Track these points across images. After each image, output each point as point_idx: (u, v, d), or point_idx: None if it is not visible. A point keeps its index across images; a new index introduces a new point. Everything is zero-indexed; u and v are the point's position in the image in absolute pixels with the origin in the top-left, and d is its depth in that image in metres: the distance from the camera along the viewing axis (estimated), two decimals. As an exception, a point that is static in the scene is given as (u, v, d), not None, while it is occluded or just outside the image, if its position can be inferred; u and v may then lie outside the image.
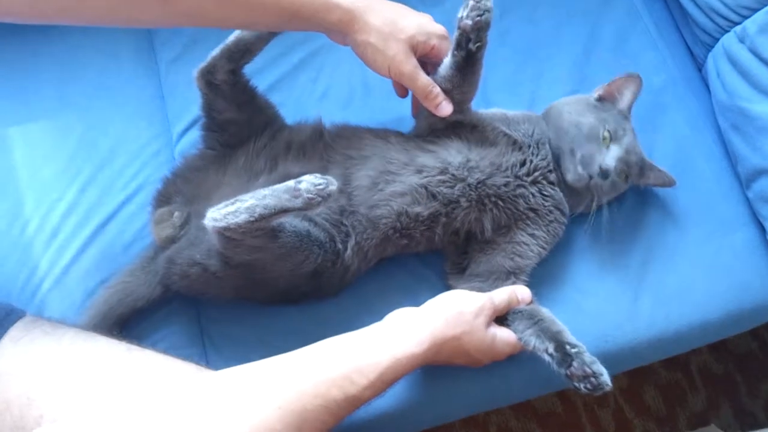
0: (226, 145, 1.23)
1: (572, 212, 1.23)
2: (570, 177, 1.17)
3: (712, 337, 1.29)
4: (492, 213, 1.16)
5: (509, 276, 1.17)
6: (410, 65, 1.11)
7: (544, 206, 1.18)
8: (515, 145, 1.18)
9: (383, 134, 1.21)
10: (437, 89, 1.13)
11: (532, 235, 1.18)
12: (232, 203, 1.02)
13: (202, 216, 1.08)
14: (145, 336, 1.21)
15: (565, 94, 1.35)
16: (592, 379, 1.01)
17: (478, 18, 1.06)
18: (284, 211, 1.01)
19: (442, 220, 1.15)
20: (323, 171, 1.16)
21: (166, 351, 1.16)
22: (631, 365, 1.28)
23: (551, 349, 1.06)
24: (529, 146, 1.19)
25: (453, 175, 1.14)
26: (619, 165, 1.16)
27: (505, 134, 1.19)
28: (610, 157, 1.15)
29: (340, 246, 1.15)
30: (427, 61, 1.16)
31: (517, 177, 1.16)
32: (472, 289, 1.15)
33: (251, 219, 1.01)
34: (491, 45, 1.37)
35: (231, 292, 1.17)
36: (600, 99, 1.22)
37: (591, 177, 1.14)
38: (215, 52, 1.18)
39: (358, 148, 1.19)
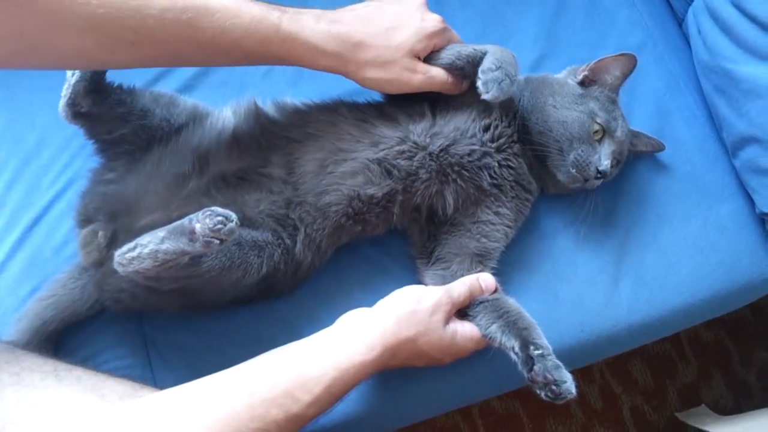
0: (133, 152, 1.12)
1: (544, 191, 1.16)
2: (562, 177, 1.10)
3: (698, 320, 1.22)
4: (455, 185, 1.08)
5: (476, 260, 1.10)
6: (418, 76, 1.05)
7: (508, 180, 1.10)
8: (487, 110, 1.09)
9: (333, 107, 1.12)
10: (453, 78, 1.08)
11: (496, 213, 1.10)
12: (134, 248, 0.95)
13: (131, 231, 1.03)
14: (84, 345, 1.13)
15: (534, 59, 1.28)
16: (554, 387, 0.95)
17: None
18: (186, 254, 0.94)
19: (399, 199, 1.08)
20: (263, 162, 1.08)
21: (106, 362, 1.11)
22: (609, 354, 1.22)
23: (517, 348, 1.00)
24: (502, 113, 1.10)
25: (414, 143, 1.06)
26: (614, 160, 1.10)
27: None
28: (606, 155, 1.08)
29: (288, 242, 1.06)
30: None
31: (482, 144, 1.08)
32: (437, 274, 1.10)
33: (156, 264, 0.94)
34: (451, 6, 1.31)
35: (173, 309, 1.10)
36: (584, 82, 1.13)
37: (587, 179, 1.08)
38: (66, 83, 1.07)
39: (302, 127, 1.10)
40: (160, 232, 0.94)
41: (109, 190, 1.10)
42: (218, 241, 0.91)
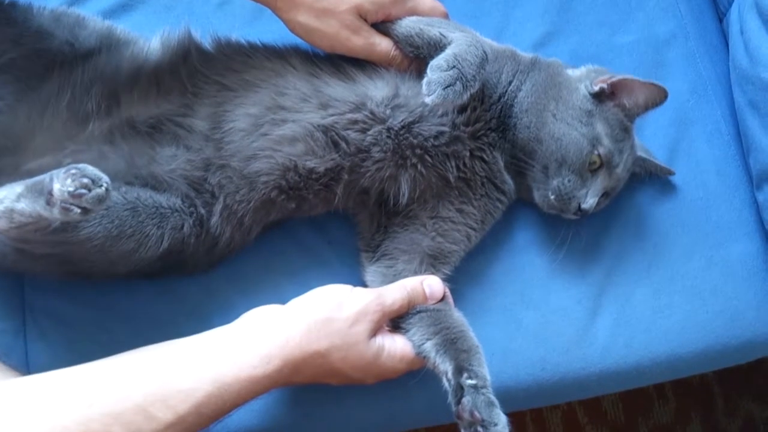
0: (27, 79, 0.97)
1: (520, 197, 1.04)
2: (537, 198, 1.00)
3: (683, 374, 1.09)
4: (414, 171, 0.96)
5: (427, 261, 0.98)
6: (360, 39, 0.96)
7: (478, 175, 0.99)
8: None
9: (283, 54, 1.00)
10: (399, 53, 0.98)
11: (459, 211, 0.99)
12: None
13: (15, 173, 0.91)
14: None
15: (539, 36, 1.14)
16: (480, 429, 0.82)
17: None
18: (44, 219, 0.80)
19: (344, 178, 0.96)
20: (185, 110, 0.96)
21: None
22: (571, 398, 1.12)
23: (450, 373, 0.87)
24: (484, 92, 0.98)
25: (371, 113, 0.94)
26: (604, 195, 1.00)
27: None
28: (594, 192, 0.97)
29: (202, 211, 0.94)
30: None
31: (454, 126, 0.96)
32: (378, 271, 0.99)
33: (13, 225, 0.82)
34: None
35: (52, 276, 0.97)
36: (600, 95, 0.98)
37: (563, 211, 0.98)
38: None
39: (240, 72, 0.97)
40: (18, 187, 0.81)
41: None
42: (79, 210, 0.76)
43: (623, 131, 0.98)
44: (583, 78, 1.00)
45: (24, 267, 0.94)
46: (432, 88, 0.86)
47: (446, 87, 0.86)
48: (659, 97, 0.98)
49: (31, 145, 0.94)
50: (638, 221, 1.07)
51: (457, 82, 0.87)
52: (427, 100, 0.86)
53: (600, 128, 0.96)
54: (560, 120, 0.96)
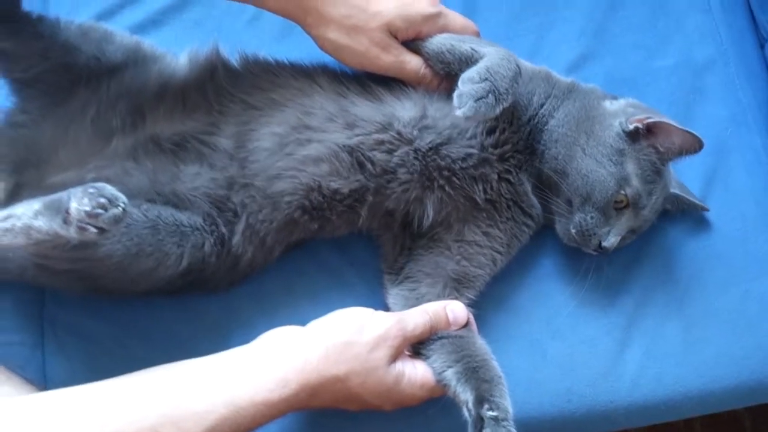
0: (53, 94, 0.98)
1: (546, 223, 1.01)
2: (558, 229, 0.98)
3: (714, 409, 1.05)
4: (441, 193, 0.95)
5: (451, 285, 0.96)
6: (390, 57, 0.95)
7: (504, 197, 0.97)
8: None
9: (310, 73, 0.99)
10: (429, 71, 0.96)
11: (486, 234, 0.97)
12: (6, 218, 0.83)
13: (38, 187, 0.91)
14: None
15: (574, 58, 1.13)
16: None
17: None
18: (61, 238, 0.79)
19: (369, 200, 0.95)
20: (210, 128, 0.95)
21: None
22: (597, 431, 1.06)
23: (470, 403, 0.85)
24: (513, 115, 0.95)
25: (398, 134, 0.93)
26: (629, 233, 0.97)
27: None
28: (617, 232, 0.95)
29: (224, 230, 0.93)
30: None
31: (483, 148, 0.94)
32: (401, 295, 0.98)
33: (31, 242, 0.82)
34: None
35: (73, 291, 0.96)
36: (634, 133, 0.95)
37: (583, 246, 0.96)
38: None
39: (266, 91, 0.97)
40: (36, 204, 0.80)
41: (18, 135, 0.97)
42: (96, 230, 0.76)
43: (655, 173, 0.95)
44: (619, 113, 0.97)
45: (44, 282, 0.93)
46: (463, 100, 0.84)
47: (478, 99, 0.84)
48: (694, 146, 0.95)
49: (54, 159, 0.94)
50: (672, 251, 1.05)
51: (490, 95, 0.85)
52: (459, 113, 0.84)
53: (630, 168, 0.94)
54: (589, 156, 0.94)
